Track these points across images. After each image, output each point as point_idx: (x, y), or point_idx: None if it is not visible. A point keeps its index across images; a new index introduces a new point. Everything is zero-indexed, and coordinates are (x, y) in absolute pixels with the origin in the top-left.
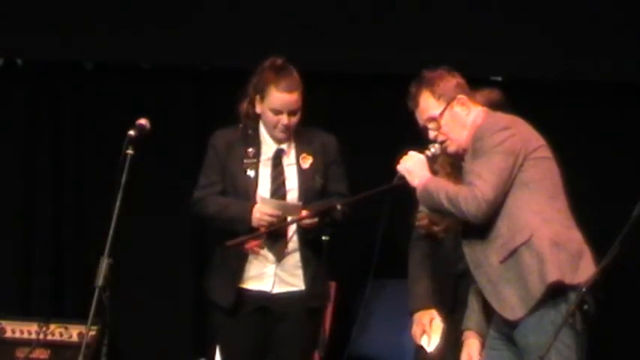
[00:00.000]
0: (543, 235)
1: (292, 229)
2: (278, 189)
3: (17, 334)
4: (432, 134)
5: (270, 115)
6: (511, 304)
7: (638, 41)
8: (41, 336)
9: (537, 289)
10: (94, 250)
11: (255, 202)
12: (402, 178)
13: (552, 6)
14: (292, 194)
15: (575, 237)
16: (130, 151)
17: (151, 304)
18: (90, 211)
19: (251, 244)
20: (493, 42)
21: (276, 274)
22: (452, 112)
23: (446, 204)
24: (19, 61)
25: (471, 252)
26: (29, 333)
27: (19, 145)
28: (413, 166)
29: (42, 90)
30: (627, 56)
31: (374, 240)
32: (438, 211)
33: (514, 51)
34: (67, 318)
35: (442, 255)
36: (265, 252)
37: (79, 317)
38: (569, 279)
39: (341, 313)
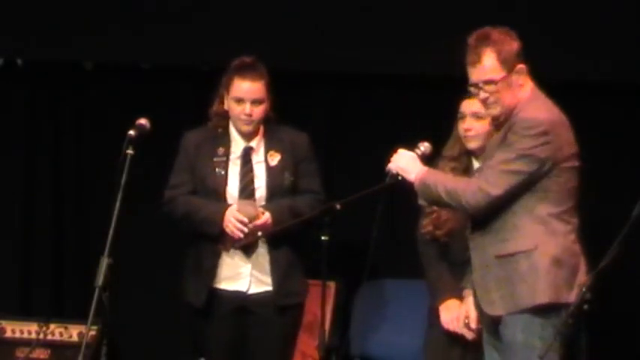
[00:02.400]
0: (546, 251)
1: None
2: (246, 187)
3: (17, 334)
4: (482, 95)
5: (234, 107)
6: (491, 299)
7: (638, 41)
8: (41, 336)
9: (524, 303)
10: (94, 250)
11: (225, 201)
12: (394, 177)
13: (552, 6)
14: (260, 192)
15: (576, 251)
16: (130, 151)
17: (151, 304)
18: (90, 211)
19: (239, 242)
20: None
21: (252, 275)
22: (510, 80)
23: (444, 197)
24: (19, 61)
25: (473, 229)
26: (29, 333)
27: (19, 145)
28: (406, 163)
29: (42, 90)
30: (627, 56)
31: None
32: (436, 203)
33: None
34: (67, 318)
35: (449, 258)
36: (238, 252)
37: (79, 317)
38: (564, 298)
39: (341, 313)
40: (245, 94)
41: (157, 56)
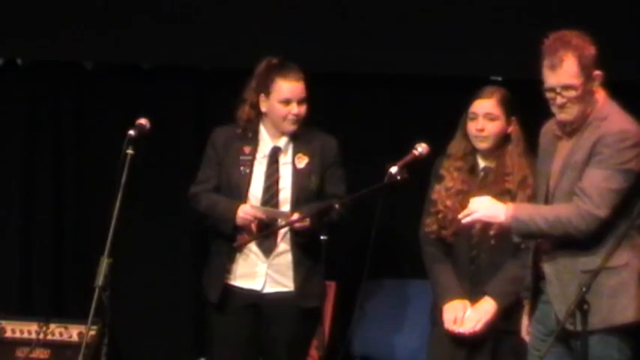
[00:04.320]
0: (635, 267)
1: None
2: (270, 187)
3: (17, 334)
4: (560, 100)
5: (279, 108)
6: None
7: (638, 41)
8: (41, 336)
9: (614, 320)
10: (94, 250)
11: (244, 201)
12: (393, 176)
13: (552, 6)
14: (285, 193)
15: None
16: (130, 151)
17: (151, 304)
18: (90, 211)
19: (241, 240)
20: (493, 42)
21: (267, 274)
22: (588, 86)
23: (546, 228)
24: (19, 61)
25: (550, 244)
26: (29, 333)
27: (19, 145)
28: (489, 209)
29: (42, 90)
30: (627, 56)
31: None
32: (534, 236)
33: (514, 51)
34: (67, 318)
35: (455, 258)
36: (256, 250)
37: (79, 317)
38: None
39: (341, 313)
40: (292, 95)
41: (157, 56)
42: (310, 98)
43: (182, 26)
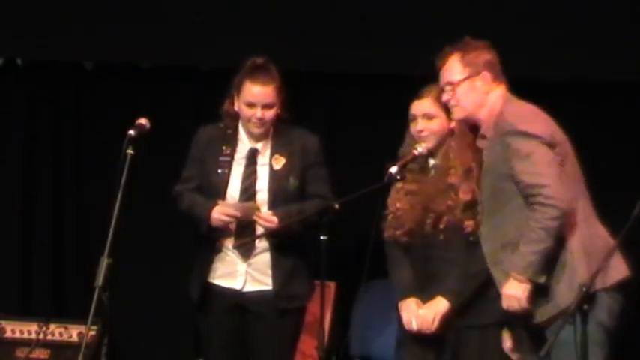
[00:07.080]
0: (572, 246)
1: (260, 229)
2: (248, 189)
3: (17, 334)
4: (445, 96)
5: (244, 110)
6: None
7: (638, 41)
8: (41, 336)
9: (567, 301)
10: (94, 250)
11: (220, 202)
12: (393, 176)
13: (552, 6)
14: (262, 195)
15: (600, 234)
16: (130, 151)
17: (151, 304)
18: (90, 211)
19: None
20: (493, 42)
21: (247, 272)
22: (472, 84)
23: (539, 246)
24: (19, 61)
25: (492, 251)
26: (29, 333)
27: (19, 144)
28: (515, 294)
29: (42, 90)
30: (627, 56)
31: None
32: (548, 262)
33: (514, 51)
34: (67, 318)
35: (412, 257)
36: (235, 249)
37: (79, 317)
38: (601, 284)
39: (341, 313)
40: (256, 99)
41: (157, 56)
42: (310, 98)
43: (182, 26)
